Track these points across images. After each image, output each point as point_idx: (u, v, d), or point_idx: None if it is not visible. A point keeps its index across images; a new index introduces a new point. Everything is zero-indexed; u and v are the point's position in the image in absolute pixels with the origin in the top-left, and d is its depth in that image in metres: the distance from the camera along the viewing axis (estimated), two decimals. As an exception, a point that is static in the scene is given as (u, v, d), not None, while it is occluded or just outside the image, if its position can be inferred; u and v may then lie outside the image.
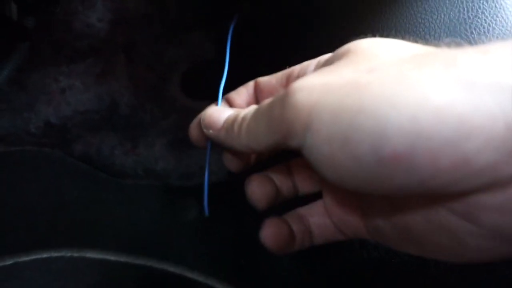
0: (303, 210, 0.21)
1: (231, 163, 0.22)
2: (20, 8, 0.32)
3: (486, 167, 0.12)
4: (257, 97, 0.24)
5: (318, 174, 0.15)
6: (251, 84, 0.24)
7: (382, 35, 0.18)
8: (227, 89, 0.24)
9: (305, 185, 0.22)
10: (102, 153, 0.45)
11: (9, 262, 0.31)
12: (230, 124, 0.19)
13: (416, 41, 0.16)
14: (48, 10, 0.30)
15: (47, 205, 0.40)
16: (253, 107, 0.18)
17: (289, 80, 0.22)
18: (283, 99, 0.15)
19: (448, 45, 0.14)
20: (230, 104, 0.23)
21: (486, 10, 0.23)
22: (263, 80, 0.23)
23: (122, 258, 0.32)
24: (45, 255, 0.30)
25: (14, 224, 0.34)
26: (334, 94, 0.14)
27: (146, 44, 0.44)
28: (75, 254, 0.31)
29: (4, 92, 0.42)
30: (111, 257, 0.31)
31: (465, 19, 0.24)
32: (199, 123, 0.22)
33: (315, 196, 0.22)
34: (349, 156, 0.13)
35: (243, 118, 0.18)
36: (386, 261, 0.23)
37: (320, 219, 0.21)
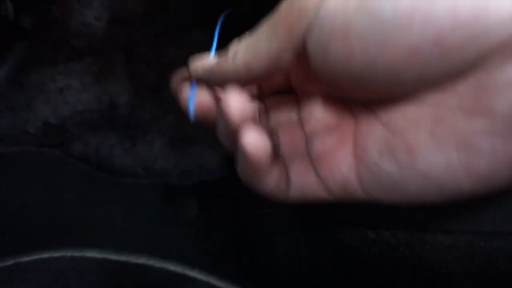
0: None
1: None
2: (16, 7, 0.32)
3: (506, 20, 0.11)
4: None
5: (319, 68, 0.15)
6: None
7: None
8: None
9: None
10: (101, 153, 0.45)
11: (9, 262, 0.31)
12: (224, 57, 0.18)
13: None
14: (45, 8, 0.29)
15: (47, 205, 0.40)
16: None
17: None
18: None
19: None
20: None
21: None
22: None
23: (123, 258, 0.32)
24: (45, 255, 0.30)
25: (14, 224, 0.34)
26: None
27: (146, 44, 0.44)
28: (76, 254, 0.31)
29: (1, 92, 0.42)
30: (112, 257, 0.31)
31: None
32: (182, 74, 0.22)
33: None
34: (365, 14, 0.12)
35: (239, 45, 0.17)
36: (386, 256, 0.23)
37: (303, 171, 0.18)
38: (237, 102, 0.16)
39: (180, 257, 0.36)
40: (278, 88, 0.22)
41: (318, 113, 0.19)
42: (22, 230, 0.34)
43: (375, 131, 0.16)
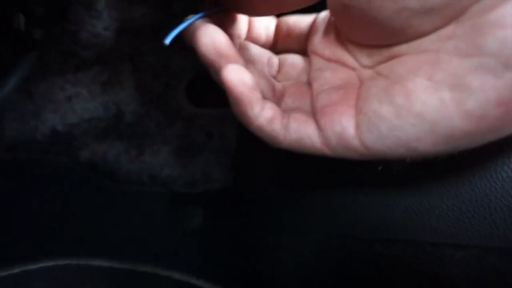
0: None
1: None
2: (29, 20, 0.33)
3: None
4: (277, 41, 0.23)
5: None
6: (272, 24, 0.23)
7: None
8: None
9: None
10: (107, 160, 0.45)
11: (16, 270, 0.31)
12: None
13: None
14: (57, 23, 0.30)
15: (54, 212, 0.40)
16: None
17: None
18: None
19: None
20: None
21: None
22: (290, 20, 0.22)
23: (128, 266, 0.32)
24: (51, 264, 0.30)
25: (21, 232, 0.35)
26: None
27: (152, 53, 0.45)
28: (81, 262, 0.31)
29: (11, 100, 0.42)
30: (117, 265, 0.31)
31: None
32: None
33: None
34: None
35: None
36: (394, 268, 0.22)
37: (303, 119, 0.19)
38: (212, 39, 0.18)
39: (186, 266, 0.35)
40: (293, 49, 0.23)
41: (327, 74, 0.20)
42: (28, 237, 0.35)
43: (377, 83, 0.17)
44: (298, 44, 0.23)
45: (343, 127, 0.17)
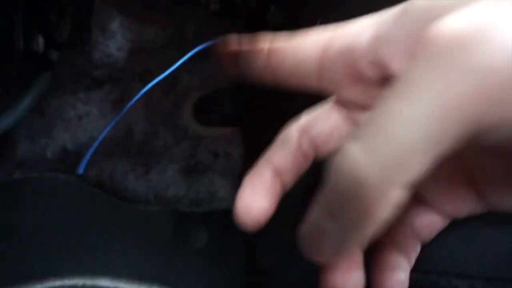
0: (400, 219, 0.16)
1: None
2: (47, 41, 0.34)
3: None
4: (304, 152, 0.17)
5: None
6: (291, 135, 0.17)
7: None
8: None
9: None
10: (115, 179, 0.46)
11: (22, 289, 0.31)
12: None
13: None
14: (76, 48, 0.31)
15: (61, 230, 0.40)
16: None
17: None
18: (464, 55, 0.09)
19: None
20: (272, 168, 0.17)
21: None
22: (310, 120, 0.17)
23: (134, 286, 0.32)
24: (58, 283, 0.31)
25: (29, 250, 0.35)
26: None
27: (162, 72, 0.46)
28: (88, 282, 0.31)
29: (24, 118, 0.43)
30: (124, 285, 0.32)
31: None
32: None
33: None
34: None
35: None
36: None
37: (426, 219, 0.16)
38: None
39: (190, 285, 0.35)
40: None
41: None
42: (36, 255, 0.35)
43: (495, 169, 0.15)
44: None
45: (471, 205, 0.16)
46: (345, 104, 0.17)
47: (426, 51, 0.10)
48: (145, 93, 0.48)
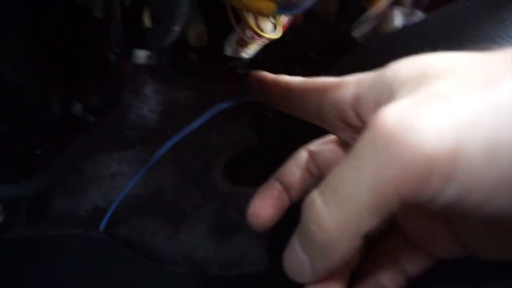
0: (387, 253, 0.19)
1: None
2: (84, 107, 0.35)
3: None
4: (310, 172, 0.20)
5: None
6: (302, 155, 0.20)
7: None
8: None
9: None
10: (144, 238, 0.45)
11: None
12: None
13: None
14: (110, 111, 0.32)
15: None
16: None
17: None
18: (392, 146, 0.12)
19: None
20: (281, 183, 0.20)
21: None
22: (317, 147, 0.20)
23: None
24: None
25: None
26: (486, 126, 0.11)
27: (193, 133, 0.46)
28: None
29: (60, 177, 0.44)
30: None
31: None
32: None
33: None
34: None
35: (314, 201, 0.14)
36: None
37: (411, 254, 0.18)
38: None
39: None
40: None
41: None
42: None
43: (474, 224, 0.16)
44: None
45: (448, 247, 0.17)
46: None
47: (371, 133, 0.12)
48: (176, 153, 0.49)
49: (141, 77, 0.41)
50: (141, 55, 0.33)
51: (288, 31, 0.36)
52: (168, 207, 0.45)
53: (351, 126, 0.17)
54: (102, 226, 0.19)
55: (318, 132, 0.20)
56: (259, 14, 0.22)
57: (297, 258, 0.15)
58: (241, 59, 0.34)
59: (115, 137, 0.44)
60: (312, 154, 0.20)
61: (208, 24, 0.35)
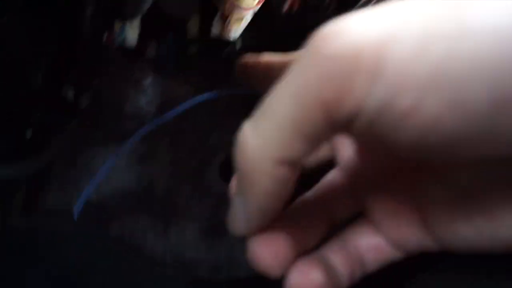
0: (344, 236, 0.17)
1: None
2: (76, 90, 0.35)
3: None
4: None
5: (388, 144, 0.11)
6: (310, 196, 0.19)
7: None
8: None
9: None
10: (134, 235, 0.44)
11: None
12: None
13: None
14: (100, 91, 0.31)
15: (77, 278, 0.38)
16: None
17: None
18: (317, 48, 0.10)
19: None
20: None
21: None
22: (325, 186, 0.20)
23: None
24: None
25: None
26: (416, 22, 0.10)
27: (191, 130, 0.45)
28: None
29: (55, 169, 0.44)
30: None
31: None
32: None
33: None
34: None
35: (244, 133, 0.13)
36: None
37: (370, 240, 0.16)
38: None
39: None
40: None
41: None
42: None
43: (443, 200, 0.15)
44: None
45: (418, 238, 0.16)
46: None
47: (306, 48, 0.11)
48: (173, 149, 0.48)
49: (142, 68, 0.41)
50: (131, 37, 0.32)
51: (284, 20, 0.35)
52: (159, 204, 0.43)
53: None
54: (76, 214, 0.17)
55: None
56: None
57: (234, 207, 0.14)
58: (233, 46, 0.33)
59: (110, 128, 0.43)
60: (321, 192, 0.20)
61: (201, 12, 0.34)
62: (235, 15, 0.25)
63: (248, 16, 0.27)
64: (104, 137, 0.43)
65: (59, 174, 0.45)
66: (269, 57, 0.21)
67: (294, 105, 0.11)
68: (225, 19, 0.27)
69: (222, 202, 0.43)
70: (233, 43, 0.33)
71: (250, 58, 0.22)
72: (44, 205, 0.45)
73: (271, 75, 0.18)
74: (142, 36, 0.38)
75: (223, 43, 0.35)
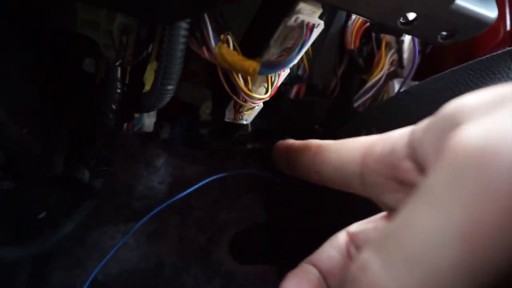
0: None
1: None
2: (91, 173, 0.36)
3: None
4: (350, 255, 0.17)
5: None
6: (340, 237, 0.18)
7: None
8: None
9: None
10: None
11: None
12: None
13: None
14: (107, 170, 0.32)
15: None
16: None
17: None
18: (483, 166, 0.08)
19: None
20: (318, 270, 0.17)
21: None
22: (359, 228, 0.17)
23: None
24: None
25: None
26: None
27: (201, 207, 0.46)
28: None
29: (65, 246, 0.44)
30: None
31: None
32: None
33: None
34: None
35: None
36: None
37: None
38: None
39: None
40: None
41: None
42: None
43: None
44: None
45: None
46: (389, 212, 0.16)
47: (449, 158, 0.09)
48: (182, 227, 0.48)
49: (155, 149, 0.42)
50: (148, 123, 0.34)
51: (292, 104, 0.37)
52: (167, 284, 0.42)
53: (404, 183, 0.14)
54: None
55: (334, 205, 0.18)
56: (245, 73, 0.23)
57: None
58: (245, 129, 0.35)
59: (121, 208, 0.44)
60: (352, 237, 0.17)
61: (214, 99, 0.36)
62: (248, 105, 0.27)
63: (260, 105, 0.29)
64: (115, 216, 0.44)
65: (66, 253, 0.45)
66: (317, 141, 0.19)
67: (461, 244, 0.08)
68: (238, 108, 0.28)
69: (231, 281, 0.42)
70: (245, 126, 0.35)
71: (285, 142, 0.21)
72: (48, 285, 0.45)
73: (319, 160, 0.17)
74: (157, 120, 0.40)
75: (235, 125, 0.36)
